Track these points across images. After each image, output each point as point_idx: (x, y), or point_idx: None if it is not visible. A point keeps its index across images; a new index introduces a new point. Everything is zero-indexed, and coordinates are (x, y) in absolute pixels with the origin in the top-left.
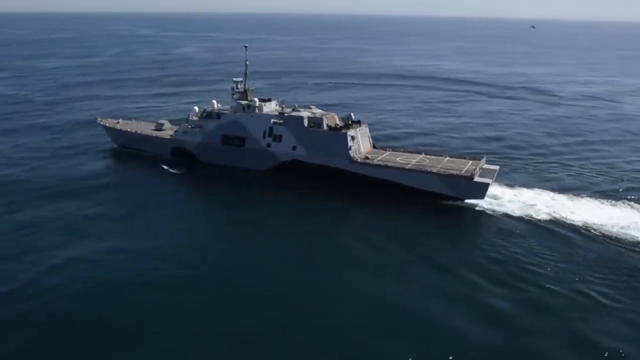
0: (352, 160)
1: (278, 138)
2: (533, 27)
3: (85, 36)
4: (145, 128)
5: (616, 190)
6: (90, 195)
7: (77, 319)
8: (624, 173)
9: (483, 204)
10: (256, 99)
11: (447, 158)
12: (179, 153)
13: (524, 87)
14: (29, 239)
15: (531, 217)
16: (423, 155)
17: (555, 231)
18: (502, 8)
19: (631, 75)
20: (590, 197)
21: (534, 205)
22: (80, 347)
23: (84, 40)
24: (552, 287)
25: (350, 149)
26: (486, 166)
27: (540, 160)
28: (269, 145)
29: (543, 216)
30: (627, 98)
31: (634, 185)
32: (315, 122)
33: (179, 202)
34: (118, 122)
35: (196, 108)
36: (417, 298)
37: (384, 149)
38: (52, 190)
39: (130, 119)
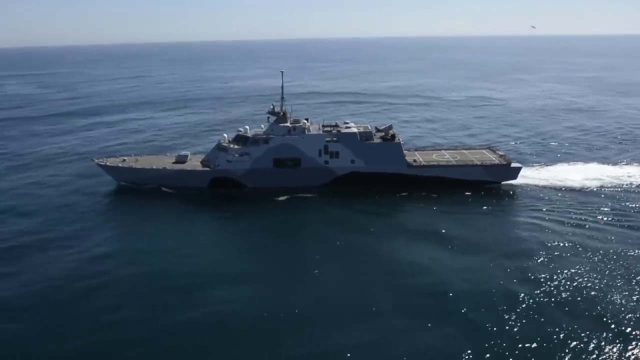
0: (409, 165)
1: (335, 154)
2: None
3: None
4: (161, 162)
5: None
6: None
7: None
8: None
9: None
10: (305, 121)
11: (464, 150)
12: (220, 183)
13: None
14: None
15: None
16: (445, 150)
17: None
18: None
19: (451, 77)
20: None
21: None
22: None
23: None
24: None
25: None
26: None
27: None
28: (326, 162)
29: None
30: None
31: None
32: (366, 135)
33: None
34: (124, 160)
35: (226, 135)
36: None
37: (408, 149)
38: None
39: (129, 155)
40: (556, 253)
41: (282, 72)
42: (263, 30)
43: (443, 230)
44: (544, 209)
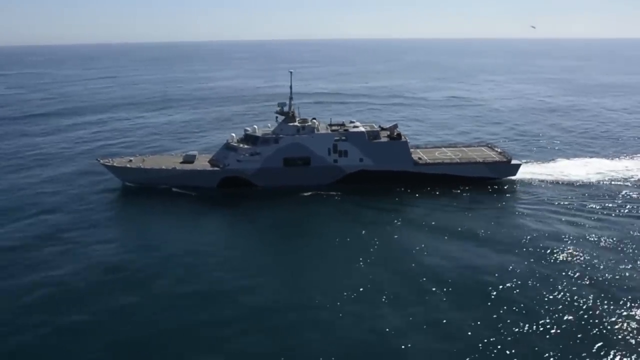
0: (415, 163)
1: (344, 153)
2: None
3: None
4: (169, 162)
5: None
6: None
7: None
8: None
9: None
10: (314, 120)
11: (464, 148)
12: (229, 183)
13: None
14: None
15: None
16: (446, 148)
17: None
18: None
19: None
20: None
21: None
22: None
23: None
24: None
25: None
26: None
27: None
28: (335, 160)
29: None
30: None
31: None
32: (374, 134)
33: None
34: (130, 160)
35: (234, 135)
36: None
37: (410, 148)
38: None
39: (134, 155)
40: (580, 241)
41: (291, 72)
42: (222, 31)
43: (466, 226)
44: (555, 202)
